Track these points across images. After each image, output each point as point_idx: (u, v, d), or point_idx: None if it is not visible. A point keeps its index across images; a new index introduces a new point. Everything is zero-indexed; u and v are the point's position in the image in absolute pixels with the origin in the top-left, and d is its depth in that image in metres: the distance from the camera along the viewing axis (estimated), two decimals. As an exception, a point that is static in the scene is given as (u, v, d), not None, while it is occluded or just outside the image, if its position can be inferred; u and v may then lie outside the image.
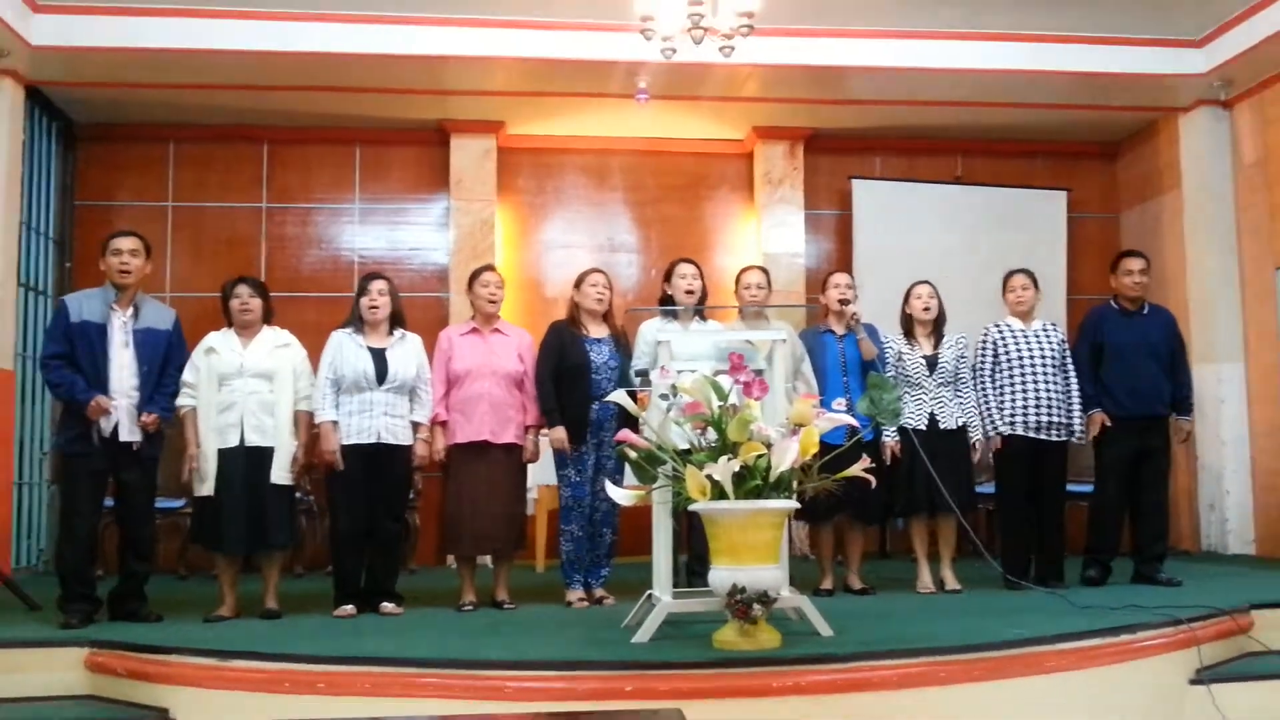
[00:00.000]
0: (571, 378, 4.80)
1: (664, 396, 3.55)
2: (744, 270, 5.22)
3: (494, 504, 4.73)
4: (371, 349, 4.66)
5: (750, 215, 7.67)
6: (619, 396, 3.74)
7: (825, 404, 3.76)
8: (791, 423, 3.44)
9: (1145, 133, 7.69)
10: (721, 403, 3.43)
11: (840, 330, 5.15)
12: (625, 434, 3.60)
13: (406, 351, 4.72)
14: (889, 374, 5.07)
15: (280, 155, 7.37)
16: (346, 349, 4.65)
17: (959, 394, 5.13)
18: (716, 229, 7.68)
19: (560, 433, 4.74)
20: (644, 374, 4.29)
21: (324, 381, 4.61)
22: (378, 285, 4.75)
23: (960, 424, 5.07)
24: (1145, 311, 5.34)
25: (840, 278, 5.23)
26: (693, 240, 7.44)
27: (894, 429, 4.98)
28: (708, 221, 7.68)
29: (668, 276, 5.03)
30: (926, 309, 5.17)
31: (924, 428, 5.00)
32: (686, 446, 3.52)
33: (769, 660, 3.19)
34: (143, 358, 4.37)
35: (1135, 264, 5.34)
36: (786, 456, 3.31)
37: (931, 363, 5.10)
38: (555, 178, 7.61)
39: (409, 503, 5.86)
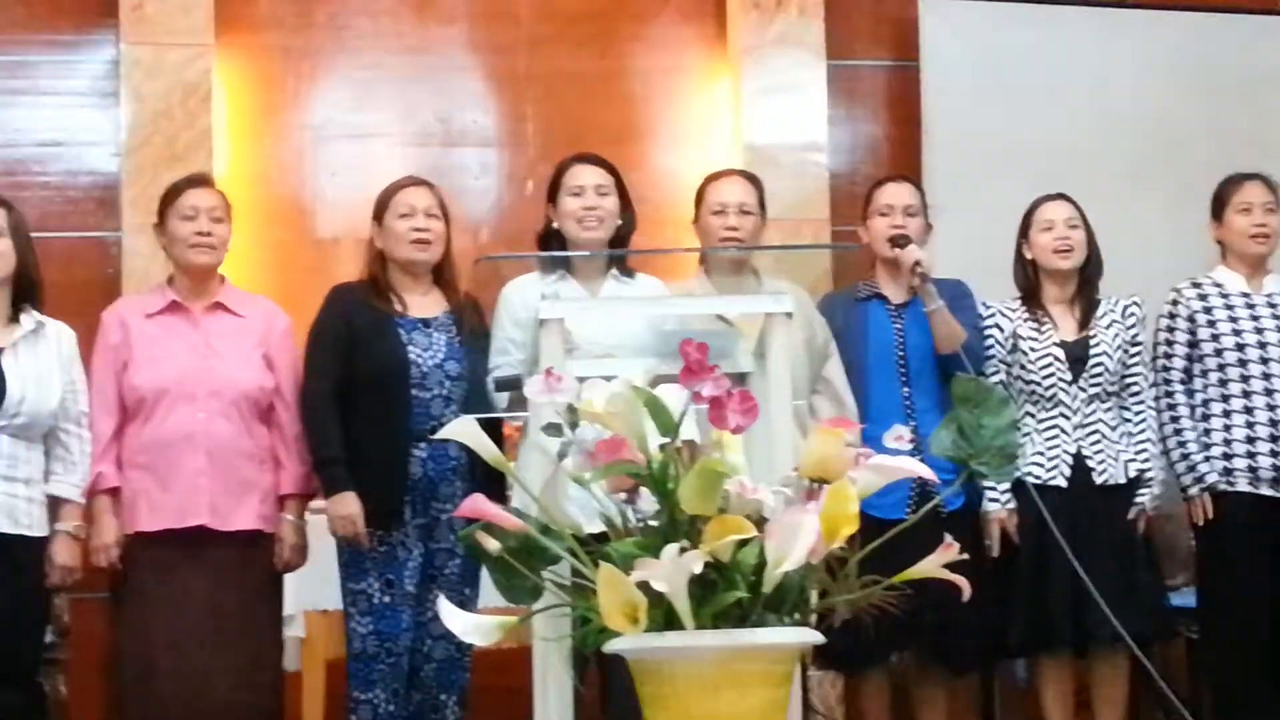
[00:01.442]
0: (372, 395, 4.88)
1: (552, 429, 3.54)
2: (711, 180, 5.28)
3: (217, 651, 4.76)
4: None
5: (720, 71, 7.69)
6: (463, 430, 3.71)
7: (871, 438, 3.77)
8: (806, 476, 3.44)
9: None
10: (667, 439, 3.42)
11: (898, 295, 5.24)
12: (476, 504, 3.57)
13: (39, 356, 4.78)
14: (994, 377, 5.14)
15: None
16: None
17: (1129, 416, 5.24)
18: (655, 99, 7.69)
19: (349, 505, 4.79)
20: (511, 384, 4.28)
21: None
22: None
23: (1135, 473, 5.18)
24: None
25: (897, 192, 5.33)
26: (608, 120, 7.43)
27: (1005, 487, 5.06)
28: (637, 85, 7.66)
29: (553, 192, 5.08)
30: (1064, 250, 5.26)
31: (1063, 483, 5.11)
32: (600, 527, 3.52)
33: None
34: None
35: None
36: (797, 543, 3.31)
37: (1076, 354, 5.20)
38: (332, 0, 7.57)
39: (45, 651, 5.78)
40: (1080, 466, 5.12)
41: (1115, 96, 7.53)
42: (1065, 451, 5.13)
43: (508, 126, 7.59)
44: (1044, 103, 7.44)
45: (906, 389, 5.14)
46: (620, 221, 5.05)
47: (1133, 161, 7.27)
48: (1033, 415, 5.17)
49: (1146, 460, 5.21)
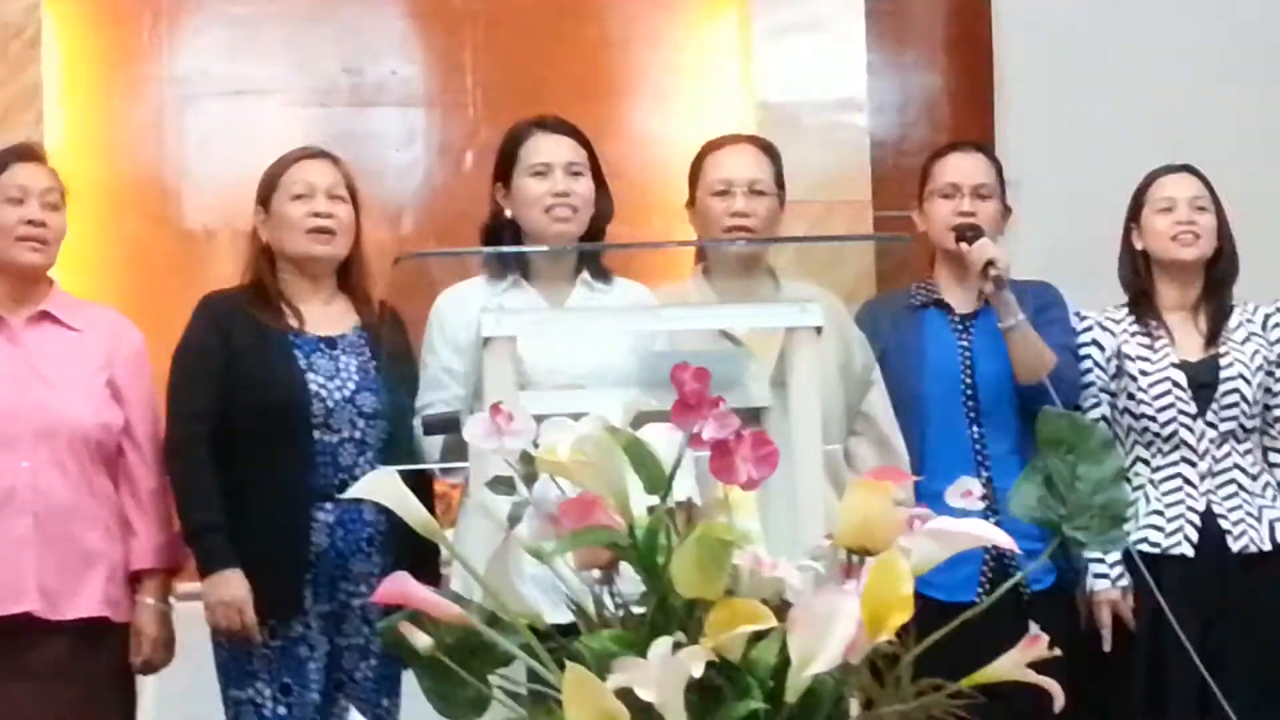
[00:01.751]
0: (260, 439, 4.95)
1: (501, 485, 3.50)
2: (711, 149, 5.31)
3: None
4: None
5: (724, 4, 7.73)
6: (381, 487, 3.67)
7: (930, 493, 3.74)
8: (843, 545, 3.41)
9: None
10: (658, 498, 3.39)
11: (965, 303, 5.32)
12: (399, 586, 3.53)
13: None
14: (1093, 411, 5.15)
15: None
16: None
17: (1277, 460, 5.25)
18: (635, 43, 7.73)
19: (231, 587, 4.81)
20: (446, 425, 4.25)
21: None
22: None
23: (1284, 536, 5.23)
24: None
25: (964, 166, 5.36)
26: (572, 71, 7.49)
27: (1114, 558, 5.05)
28: (612, 24, 7.74)
29: (505, 170, 5.08)
30: (1186, 237, 5.26)
31: (1189, 551, 5.12)
32: (567, 617, 3.48)
33: None
34: None
35: None
36: (831, 636, 3.27)
37: (1203, 379, 5.22)
38: (202, -88, 7.58)
39: None
40: (1211, 529, 5.11)
41: (1247, 35, 7.52)
42: (1191, 509, 5.13)
43: (439, 80, 7.64)
44: (1156, 42, 7.44)
45: (976, 429, 5.19)
46: (594, 211, 5.03)
47: (1274, 119, 7.26)
48: (1146, 462, 5.18)
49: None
